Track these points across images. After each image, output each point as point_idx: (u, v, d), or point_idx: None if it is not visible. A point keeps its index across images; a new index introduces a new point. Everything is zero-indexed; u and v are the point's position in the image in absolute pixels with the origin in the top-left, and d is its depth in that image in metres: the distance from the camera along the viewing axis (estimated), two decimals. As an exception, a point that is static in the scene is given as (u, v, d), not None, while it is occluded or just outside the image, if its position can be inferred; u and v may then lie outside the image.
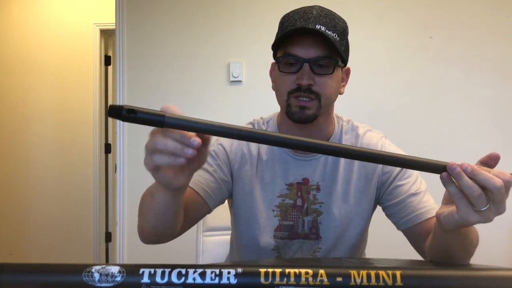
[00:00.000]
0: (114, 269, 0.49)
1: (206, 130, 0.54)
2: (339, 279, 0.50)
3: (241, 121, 0.99)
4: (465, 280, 0.53)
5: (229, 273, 0.49)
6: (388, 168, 0.92)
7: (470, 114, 2.20)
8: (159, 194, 0.65)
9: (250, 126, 1.01)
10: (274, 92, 0.95)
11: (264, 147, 0.96)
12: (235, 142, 0.96)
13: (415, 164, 0.58)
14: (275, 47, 0.90)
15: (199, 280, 0.49)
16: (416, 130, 2.19)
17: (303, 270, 0.50)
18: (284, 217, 0.93)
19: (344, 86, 0.95)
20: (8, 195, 3.25)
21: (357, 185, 0.94)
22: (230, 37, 2.29)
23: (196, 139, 0.53)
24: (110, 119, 3.38)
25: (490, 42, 2.19)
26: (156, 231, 0.74)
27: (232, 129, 0.54)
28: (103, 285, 0.47)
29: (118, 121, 2.33)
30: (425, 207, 0.87)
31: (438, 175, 0.59)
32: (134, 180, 2.30)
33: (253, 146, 0.96)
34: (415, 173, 0.92)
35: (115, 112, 0.51)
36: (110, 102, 3.39)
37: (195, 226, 1.28)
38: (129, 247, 2.32)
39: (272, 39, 0.91)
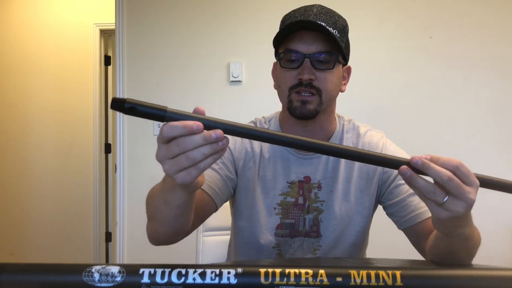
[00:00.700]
0: (114, 269, 0.49)
1: (208, 126, 0.53)
2: (339, 279, 0.50)
3: (241, 121, 0.98)
4: (465, 280, 0.53)
5: (229, 273, 0.49)
6: None
7: (470, 114, 2.20)
8: (176, 196, 0.64)
9: (252, 125, 1.01)
10: (274, 92, 0.95)
11: (266, 145, 0.96)
12: (238, 140, 0.97)
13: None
14: (277, 43, 0.91)
15: (199, 280, 0.49)
16: (416, 130, 2.19)
17: (303, 270, 0.50)
18: (285, 215, 0.94)
19: (345, 84, 0.95)
20: (8, 195, 3.25)
21: (358, 183, 0.94)
22: (230, 37, 2.29)
23: (217, 131, 0.51)
24: (110, 119, 3.38)
25: (490, 42, 2.19)
26: (172, 233, 0.74)
27: (235, 126, 0.54)
28: (103, 285, 0.47)
29: (118, 121, 2.34)
30: (425, 206, 0.87)
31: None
32: (134, 180, 2.30)
33: (256, 144, 0.97)
34: None
35: (118, 105, 0.51)
36: (110, 102, 3.39)
37: (195, 226, 1.29)
38: (129, 247, 2.32)
39: (272, 39, 0.91)
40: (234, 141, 0.96)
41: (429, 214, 0.86)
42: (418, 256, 0.87)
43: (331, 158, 0.94)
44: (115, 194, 2.34)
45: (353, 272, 0.51)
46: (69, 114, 3.25)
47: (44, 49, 3.25)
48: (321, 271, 0.50)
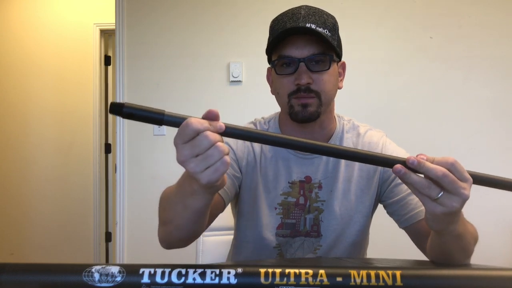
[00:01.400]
0: (114, 269, 0.49)
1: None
2: (339, 279, 0.50)
3: (241, 121, 0.99)
4: (465, 280, 0.53)
5: (229, 273, 0.49)
6: None
7: (470, 114, 2.20)
8: (196, 200, 0.63)
9: (251, 125, 1.01)
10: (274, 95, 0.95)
11: (267, 145, 0.96)
12: (240, 139, 0.97)
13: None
14: (269, 51, 0.91)
15: (199, 280, 0.49)
16: (416, 130, 2.19)
17: (303, 270, 0.50)
18: (286, 215, 0.94)
19: (342, 80, 0.95)
20: (8, 195, 3.25)
21: (358, 182, 0.94)
22: (230, 37, 2.29)
23: (220, 123, 0.55)
24: (110, 119, 3.38)
25: (490, 42, 2.19)
26: (188, 237, 0.73)
27: (235, 129, 0.55)
28: (103, 285, 0.47)
29: (118, 121, 2.34)
30: None
31: None
32: (134, 180, 2.29)
33: (257, 143, 0.97)
34: None
35: (116, 109, 0.52)
36: (110, 102, 3.39)
37: (195, 226, 1.29)
38: (129, 247, 2.32)
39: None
40: (236, 141, 0.97)
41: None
42: (418, 256, 0.87)
43: (332, 157, 0.94)
44: (115, 194, 2.34)
45: (353, 272, 0.51)
46: (69, 114, 3.25)
47: (44, 49, 3.25)
48: (321, 271, 0.50)
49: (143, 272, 0.49)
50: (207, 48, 2.29)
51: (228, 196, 0.90)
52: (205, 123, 0.53)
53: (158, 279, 0.48)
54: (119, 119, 2.33)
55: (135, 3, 2.33)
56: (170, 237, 0.74)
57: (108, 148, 3.41)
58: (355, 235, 0.95)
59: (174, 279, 0.48)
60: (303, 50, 0.85)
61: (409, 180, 0.57)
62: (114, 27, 2.35)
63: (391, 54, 2.23)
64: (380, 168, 0.94)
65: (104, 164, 3.37)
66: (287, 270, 0.50)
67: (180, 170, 0.62)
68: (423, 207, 0.87)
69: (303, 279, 0.49)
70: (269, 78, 0.97)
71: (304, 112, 0.87)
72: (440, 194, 0.57)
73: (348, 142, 0.97)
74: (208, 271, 0.49)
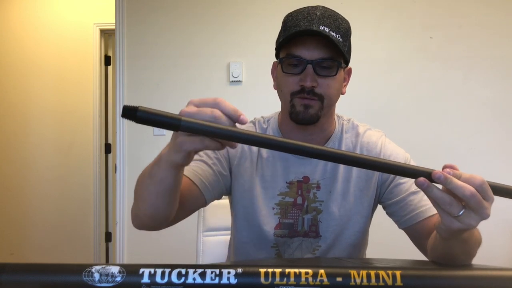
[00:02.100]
0: (114, 269, 0.48)
1: (221, 134, 0.53)
2: (339, 279, 0.50)
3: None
4: (465, 280, 0.53)
5: (229, 273, 0.49)
6: None
7: (470, 114, 2.20)
8: (160, 171, 0.66)
9: (251, 125, 1.01)
10: (274, 92, 0.95)
11: None
12: None
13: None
14: (278, 45, 0.90)
15: (199, 280, 0.49)
16: (415, 130, 2.19)
17: (303, 270, 0.50)
18: (284, 215, 0.94)
19: (345, 86, 0.95)
20: (8, 195, 3.25)
21: (357, 183, 0.94)
22: (230, 37, 2.29)
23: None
24: (110, 119, 3.38)
25: (490, 42, 2.19)
26: (152, 212, 0.74)
27: (247, 135, 0.53)
28: (103, 285, 0.47)
29: (118, 121, 2.34)
30: (425, 205, 0.87)
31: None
32: (134, 180, 2.29)
33: None
34: None
35: (129, 113, 0.49)
36: (110, 102, 3.39)
37: (195, 226, 1.29)
38: (129, 247, 2.32)
39: (272, 39, 0.91)
40: None
41: (430, 213, 0.86)
42: (418, 256, 0.87)
43: None
44: (115, 194, 2.34)
45: (353, 272, 0.50)
46: (69, 114, 3.25)
47: (44, 49, 3.25)
48: (321, 271, 0.50)
49: (143, 272, 0.49)
50: (207, 48, 2.29)
51: (209, 192, 0.89)
52: (229, 113, 0.56)
53: (158, 279, 0.48)
54: (119, 119, 2.33)
55: (135, 3, 2.33)
56: (138, 211, 0.77)
57: (108, 148, 3.41)
58: (354, 236, 0.95)
59: (174, 279, 0.48)
60: (313, 52, 0.84)
61: (431, 195, 0.56)
62: (114, 27, 2.35)
63: (391, 54, 2.23)
64: None
65: (104, 164, 3.37)
66: (287, 270, 0.50)
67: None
68: (423, 208, 0.87)
69: (303, 279, 0.49)
70: (273, 72, 0.96)
71: (305, 113, 0.86)
72: (461, 212, 0.56)
73: (347, 142, 0.96)
74: (208, 271, 0.49)
